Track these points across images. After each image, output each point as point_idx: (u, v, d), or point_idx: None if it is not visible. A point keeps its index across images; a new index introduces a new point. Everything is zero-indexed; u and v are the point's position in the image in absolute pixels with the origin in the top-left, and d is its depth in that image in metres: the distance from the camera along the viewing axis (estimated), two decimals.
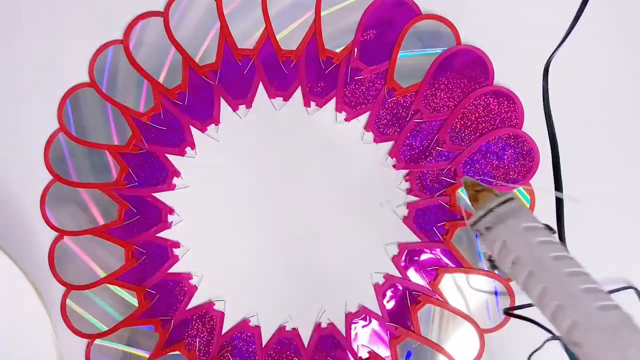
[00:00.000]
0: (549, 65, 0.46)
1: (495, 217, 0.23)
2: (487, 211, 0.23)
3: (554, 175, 0.39)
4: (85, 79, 0.50)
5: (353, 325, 0.51)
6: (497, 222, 0.23)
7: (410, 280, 0.51)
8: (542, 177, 0.50)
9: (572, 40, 0.50)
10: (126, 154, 0.50)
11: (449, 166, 0.50)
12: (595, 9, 0.49)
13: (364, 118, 0.51)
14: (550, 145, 0.42)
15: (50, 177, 0.50)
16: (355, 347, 0.51)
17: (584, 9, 0.43)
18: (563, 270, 0.20)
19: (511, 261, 0.22)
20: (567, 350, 0.21)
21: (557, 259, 0.21)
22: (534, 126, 0.50)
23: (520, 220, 0.22)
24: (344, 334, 0.51)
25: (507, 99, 0.50)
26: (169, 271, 0.51)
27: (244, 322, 0.51)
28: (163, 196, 0.51)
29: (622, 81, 0.51)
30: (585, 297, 0.19)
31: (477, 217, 0.23)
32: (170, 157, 0.51)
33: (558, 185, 0.39)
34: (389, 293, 0.51)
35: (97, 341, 0.51)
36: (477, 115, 0.50)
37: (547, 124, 0.45)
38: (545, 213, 0.50)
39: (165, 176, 0.51)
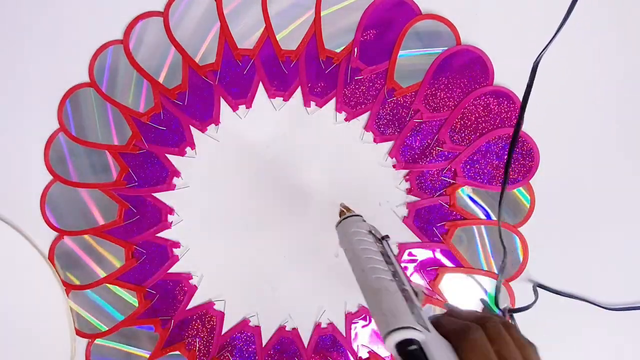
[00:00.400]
0: (538, 63, 0.46)
1: (341, 224, 0.37)
2: (340, 221, 0.38)
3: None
4: (85, 79, 0.50)
5: (353, 325, 0.51)
6: (340, 227, 0.37)
7: (410, 280, 0.51)
8: (542, 176, 0.50)
9: (571, 40, 0.50)
10: (126, 154, 0.50)
11: (449, 166, 0.50)
12: (586, 9, 0.49)
13: (364, 118, 0.51)
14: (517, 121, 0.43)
15: (50, 177, 0.50)
16: (355, 347, 0.51)
17: (572, 10, 0.43)
18: (363, 256, 0.32)
19: (344, 250, 0.34)
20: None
21: (362, 250, 0.32)
22: (534, 126, 0.50)
23: (350, 227, 0.35)
24: (344, 334, 0.51)
25: (507, 99, 0.50)
26: (169, 271, 0.51)
27: (244, 322, 0.51)
28: (163, 196, 0.51)
29: (615, 79, 0.51)
30: (369, 272, 0.31)
31: (336, 224, 0.38)
32: (170, 157, 0.51)
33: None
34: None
35: (97, 341, 0.51)
36: (477, 115, 0.50)
37: (519, 113, 0.47)
38: (546, 211, 0.50)
39: (165, 176, 0.51)
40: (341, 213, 0.39)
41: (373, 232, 0.35)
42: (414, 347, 0.25)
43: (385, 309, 0.27)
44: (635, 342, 0.51)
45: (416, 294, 0.31)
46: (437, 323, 0.30)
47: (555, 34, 0.44)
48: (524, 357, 0.28)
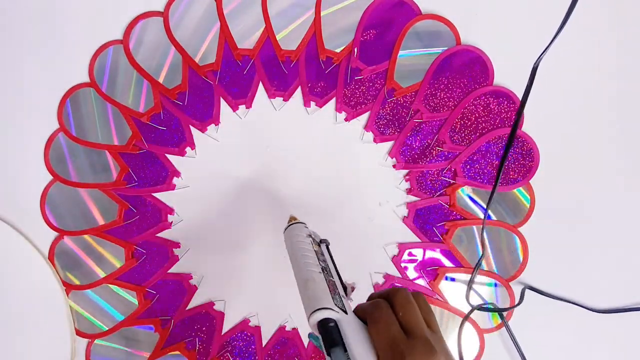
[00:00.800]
0: (537, 65, 0.46)
1: (287, 230, 0.41)
2: (287, 227, 0.42)
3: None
4: (85, 79, 0.50)
5: None
6: (286, 233, 0.41)
7: (410, 280, 0.51)
8: (542, 175, 0.50)
9: (571, 41, 0.50)
10: (126, 154, 0.50)
11: (449, 166, 0.50)
12: (585, 10, 0.49)
13: (364, 118, 0.51)
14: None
15: (50, 177, 0.50)
16: None
17: (572, 11, 0.43)
18: (299, 254, 0.37)
19: (288, 252, 0.39)
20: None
21: (299, 249, 0.37)
22: (534, 126, 0.50)
23: (293, 231, 0.40)
24: None
25: (507, 99, 0.50)
26: (169, 271, 0.51)
27: (244, 322, 0.51)
28: (163, 196, 0.51)
29: (615, 79, 0.51)
30: (302, 265, 0.35)
31: (284, 230, 0.42)
32: (170, 157, 0.51)
33: None
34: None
35: (97, 341, 0.51)
36: (477, 115, 0.50)
37: (517, 114, 0.48)
38: (545, 211, 0.50)
39: (165, 176, 0.51)
40: (289, 222, 0.44)
41: (312, 236, 0.40)
42: (331, 324, 0.30)
43: (310, 294, 0.33)
44: (624, 345, 0.51)
45: (345, 287, 0.36)
46: (357, 309, 0.33)
47: (555, 36, 0.44)
48: (426, 321, 0.31)
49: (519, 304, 0.49)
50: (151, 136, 0.50)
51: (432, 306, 0.51)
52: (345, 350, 0.29)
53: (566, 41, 0.49)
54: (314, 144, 0.51)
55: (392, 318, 0.31)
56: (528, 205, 0.50)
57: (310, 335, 0.33)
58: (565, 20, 0.44)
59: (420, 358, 0.29)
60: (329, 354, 0.29)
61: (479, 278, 0.51)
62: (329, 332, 0.30)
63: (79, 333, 0.50)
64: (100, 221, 0.50)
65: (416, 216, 0.51)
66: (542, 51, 0.45)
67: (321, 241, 0.41)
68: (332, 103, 0.51)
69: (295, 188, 0.51)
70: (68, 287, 0.50)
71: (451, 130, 0.50)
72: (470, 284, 0.49)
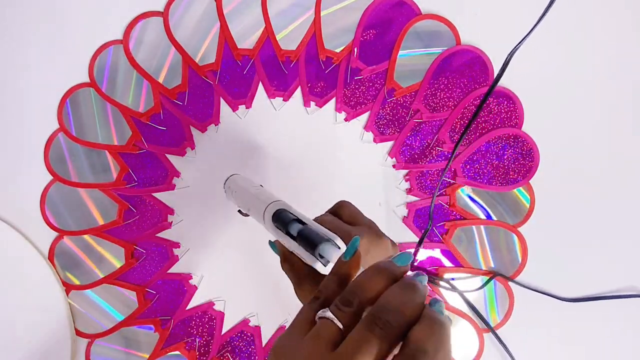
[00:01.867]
0: (509, 60, 0.47)
1: (227, 181, 0.44)
2: (225, 181, 0.44)
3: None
4: (85, 79, 0.50)
5: None
6: (227, 184, 0.43)
7: None
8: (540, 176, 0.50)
9: (572, 42, 0.50)
10: (126, 154, 0.50)
11: (449, 166, 0.50)
12: (588, 11, 0.49)
13: (364, 118, 0.51)
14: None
15: (50, 177, 0.50)
16: None
17: (549, 8, 0.44)
18: (244, 184, 0.41)
19: (233, 196, 0.42)
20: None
21: (243, 181, 0.42)
22: (534, 126, 0.50)
23: (234, 179, 0.43)
24: None
25: (507, 99, 0.50)
26: (169, 271, 0.51)
27: (244, 322, 0.51)
28: (163, 196, 0.51)
29: (616, 80, 0.51)
30: (251, 189, 0.39)
31: (224, 182, 0.44)
32: (170, 157, 0.51)
33: None
34: None
35: (97, 341, 0.51)
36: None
37: (483, 100, 0.49)
38: (546, 212, 0.50)
39: (165, 176, 0.51)
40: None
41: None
42: (285, 209, 0.33)
43: (263, 198, 0.36)
44: (597, 332, 0.51)
45: None
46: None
47: (529, 32, 0.45)
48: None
49: (482, 286, 0.50)
50: (151, 136, 0.50)
51: None
52: (302, 224, 0.31)
53: (567, 42, 0.49)
54: (314, 144, 0.51)
55: (335, 217, 0.34)
56: (528, 205, 0.50)
57: (269, 243, 0.36)
58: (544, 13, 0.45)
59: (368, 237, 0.31)
60: (287, 233, 0.32)
61: (479, 278, 0.51)
62: (284, 213, 0.33)
63: (79, 333, 0.51)
64: (100, 221, 0.50)
65: (416, 216, 0.51)
66: (518, 42, 0.46)
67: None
68: (332, 103, 0.51)
69: (294, 188, 0.51)
70: (68, 287, 0.50)
71: (451, 130, 0.50)
72: (422, 239, 0.50)
